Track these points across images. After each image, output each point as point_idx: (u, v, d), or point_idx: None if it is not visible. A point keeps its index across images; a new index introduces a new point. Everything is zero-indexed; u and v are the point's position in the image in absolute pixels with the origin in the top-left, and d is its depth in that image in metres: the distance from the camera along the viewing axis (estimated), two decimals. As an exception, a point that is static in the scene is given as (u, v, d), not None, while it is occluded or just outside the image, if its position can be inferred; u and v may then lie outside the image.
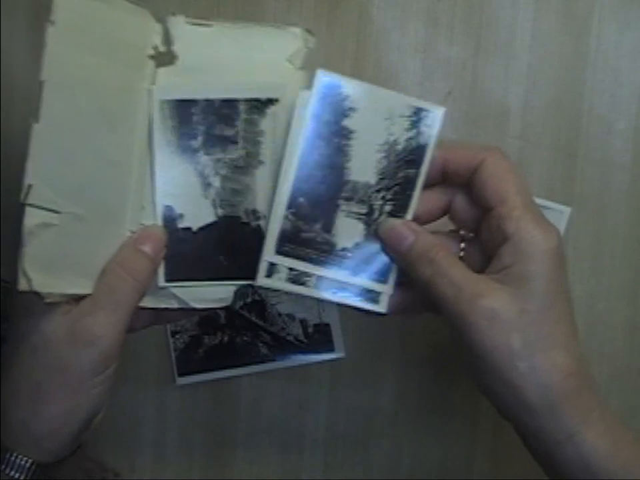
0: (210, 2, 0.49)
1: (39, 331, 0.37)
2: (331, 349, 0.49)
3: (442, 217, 0.41)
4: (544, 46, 0.48)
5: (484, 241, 0.39)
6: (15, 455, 0.37)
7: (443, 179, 0.40)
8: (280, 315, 0.49)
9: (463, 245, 0.41)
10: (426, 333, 0.49)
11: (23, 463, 0.38)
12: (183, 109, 0.39)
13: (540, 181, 0.48)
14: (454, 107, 0.48)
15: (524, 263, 0.37)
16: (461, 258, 0.41)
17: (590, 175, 0.48)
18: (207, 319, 0.48)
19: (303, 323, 0.49)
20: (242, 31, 0.41)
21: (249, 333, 0.49)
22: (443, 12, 0.48)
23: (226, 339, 0.49)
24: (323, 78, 0.38)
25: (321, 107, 0.38)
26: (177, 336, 0.50)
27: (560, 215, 0.47)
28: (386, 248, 0.40)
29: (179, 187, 0.39)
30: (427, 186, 0.39)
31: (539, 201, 0.46)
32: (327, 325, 0.49)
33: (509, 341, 0.36)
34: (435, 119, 0.38)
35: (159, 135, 0.39)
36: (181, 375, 0.50)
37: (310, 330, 0.49)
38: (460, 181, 0.40)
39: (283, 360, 0.50)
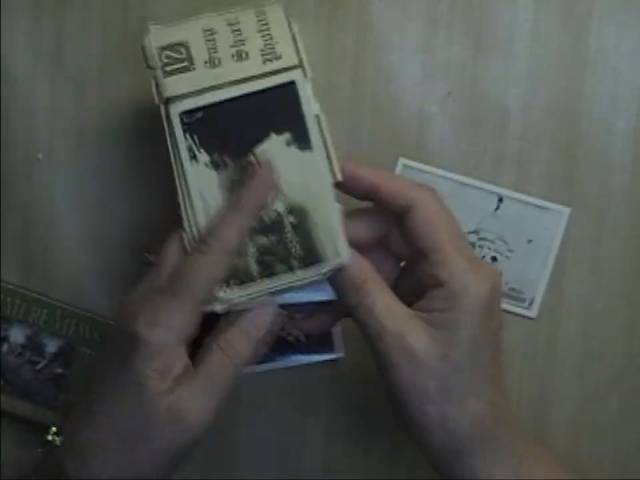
0: (210, 2, 0.49)
1: (147, 405, 0.37)
2: (330, 349, 0.49)
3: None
4: (544, 46, 0.48)
5: (417, 275, 0.38)
6: None
7: (374, 201, 0.39)
8: None
9: (402, 264, 0.40)
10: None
11: None
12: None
13: (539, 181, 0.48)
14: (454, 107, 0.48)
15: (453, 310, 0.36)
16: (397, 279, 0.40)
17: (590, 175, 0.48)
18: (207, 319, 0.48)
19: None
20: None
21: None
22: (442, 12, 0.48)
23: None
24: None
25: None
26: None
27: (559, 215, 0.47)
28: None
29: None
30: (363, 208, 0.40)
31: (537, 201, 0.47)
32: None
33: (425, 385, 0.36)
34: None
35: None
36: None
37: None
38: (391, 212, 0.39)
39: (283, 360, 0.50)
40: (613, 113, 0.48)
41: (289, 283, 0.39)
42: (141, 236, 0.51)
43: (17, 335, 0.50)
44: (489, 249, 0.47)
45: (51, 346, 0.50)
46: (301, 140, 0.39)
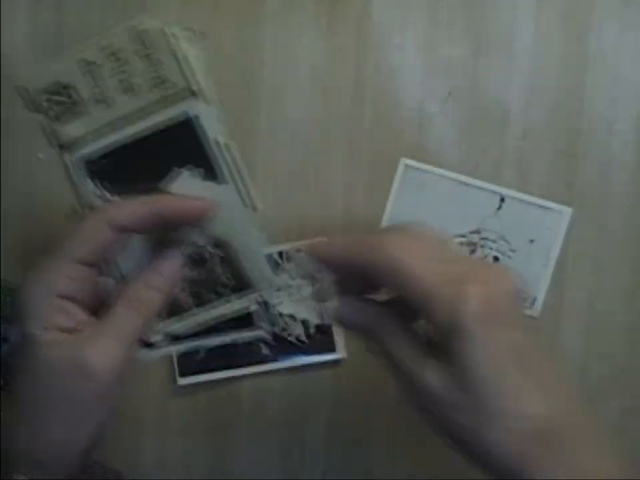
0: (210, 2, 0.49)
1: (42, 359, 0.37)
2: (332, 350, 0.49)
3: None
4: (544, 46, 0.48)
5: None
6: (18, 476, 0.37)
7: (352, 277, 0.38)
8: (281, 315, 0.49)
9: None
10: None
11: None
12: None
13: (540, 181, 0.48)
14: (454, 107, 0.48)
15: (449, 340, 0.34)
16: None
17: (590, 175, 0.48)
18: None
19: (305, 323, 0.49)
20: None
21: (252, 333, 0.49)
22: (443, 12, 0.48)
23: (229, 339, 0.49)
24: None
25: None
26: (179, 336, 0.50)
27: (561, 215, 0.47)
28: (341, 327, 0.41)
29: None
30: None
31: (540, 201, 0.47)
32: (329, 325, 0.49)
33: (457, 420, 0.34)
34: None
35: None
36: (182, 375, 0.50)
37: (311, 330, 0.49)
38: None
39: (285, 360, 0.50)
40: (613, 113, 0.48)
41: (225, 312, 0.40)
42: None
43: (17, 335, 0.50)
44: (491, 248, 0.47)
45: (51, 346, 0.50)
46: (213, 172, 0.38)
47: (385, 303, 0.38)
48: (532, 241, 0.47)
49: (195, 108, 0.37)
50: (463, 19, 0.48)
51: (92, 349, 0.37)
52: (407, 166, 0.47)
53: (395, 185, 0.47)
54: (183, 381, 0.50)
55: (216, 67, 0.49)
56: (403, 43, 0.48)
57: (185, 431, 0.51)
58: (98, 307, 0.39)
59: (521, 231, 0.47)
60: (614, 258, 0.48)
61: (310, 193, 0.49)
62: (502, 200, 0.47)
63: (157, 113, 0.37)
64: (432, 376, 0.35)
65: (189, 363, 0.50)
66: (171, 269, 0.40)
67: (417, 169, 0.47)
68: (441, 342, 0.35)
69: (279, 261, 0.48)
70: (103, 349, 0.37)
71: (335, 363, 0.50)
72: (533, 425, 0.34)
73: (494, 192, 0.47)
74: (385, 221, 0.48)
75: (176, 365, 0.50)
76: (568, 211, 0.47)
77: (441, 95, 0.48)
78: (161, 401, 0.51)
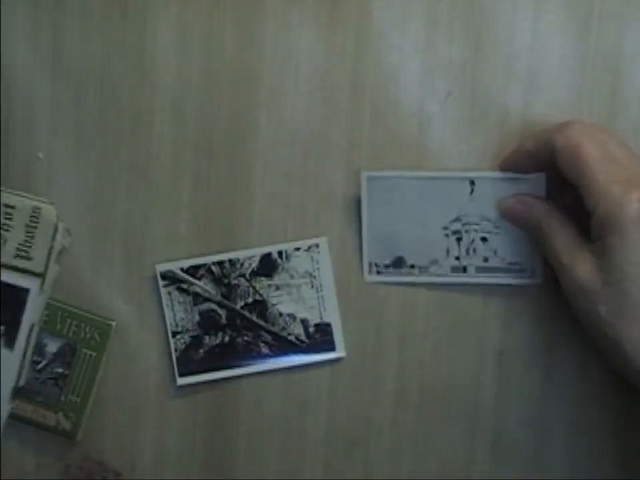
0: (210, 1, 0.49)
1: None
2: (332, 349, 0.49)
3: None
4: (544, 46, 0.48)
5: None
6: None
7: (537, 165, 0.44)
8: (281, 314, 0.49)
9: None
10: (427, 333, 0.49)
11: None
12: None
13: (540, 181, 0.48)
14: (454, 107, 0.48)
15: (606, 237, 0.39)
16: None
17: (590, 174, 0.48)
18: (208, 319, 0.48)
19: (304, 322, 0.49)
20: None
21: (250, 333, 0.49)
22: (442, 12, 0.48)
23: (227, 339, 0.49)
24: None
25: None
26: (178, 336, 0.50)
27: (537, 181, 0.46)
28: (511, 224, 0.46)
29: None
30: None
31: (509, 174, 0.47)
32: (328, 324, 0.49)
33: (597, 310, 0.39)
34: None
35: None
36: (181, 375, 0.50)
37: (311, 330, 0.49)
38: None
39: (284, 359, 0.50)
40: (613, 113, 0.48)
41: None
42: (141, 235, 0.51)
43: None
44: (476, 231, 0.47)
45: (51, 346, 0.50)
46: (9, 338, 0.44)
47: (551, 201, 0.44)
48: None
49: (32, 287, 0.44)
50: (463, 18, 0.48)
51: None
52: (369, 178, 0.47)
53: (364, 199, 0.47)
54: (183, 381, 0.50)
55: (215, 67, 0.49)
56: (403, 43, 0.48)
57: (185, 431, 0.51)
58: None
59: (499, 206, 0.47)
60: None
61: (309, 192, 0.49)
62: (472, 183, 0.47)
63: (7, 273, 0.44)
64: (583, 267, 0.40)
65: (188, 363, 0.50)
66: None
67: (379, 177, 0.47)
68: (599, 237, 0.39)
69: (279, 261, 0.48)
70: None
71: (335, 361, 0.50)
72: None
73: (462, 178, 0.47)
74: (365, 235, 0.48)
75: (175, 366, 0.50)
76: (542, 176, 0.46)
77: (441, 95, 0.48)
78: (160, 401, 0.51)
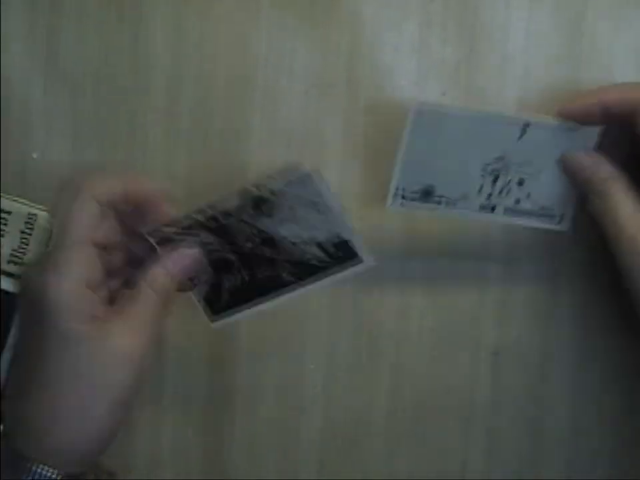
0: (205, 2, 0.49)
1: (65, 345, 0.37)
2: (358, 261, 0.45)
3: None
4: (538, 46, 0.48)
5: None
6: (41, 466, 0.37)
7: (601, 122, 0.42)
8: (294, 244, 0.45)
9: None
10: (423, 333, 0.49)
11: (49, 475, 0.37)
12: None
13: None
14: (448, 107, 0.48)
15: None
16: None
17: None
18: (221, 264, 0.46)
19: (320, 245, 0.45)
20: None
21: (269, 267, 0.46)
22: (437, 12, 0.48)
23: (246, 277, 0.46)
24: None
25: None
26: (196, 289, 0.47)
27: (591, 132, 0.45)
28: (568, 175, 0.43)
29: None
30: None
31: (564, 123, 0.44)
32: (346, 241, 0.44)
33: None
34: None
35: None
36: (214, 320, 0.47)
37: (331, 250, 0.45)
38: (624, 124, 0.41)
39: (311, 282, 0.46)
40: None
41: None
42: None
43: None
44: (516, 172, 0.45)
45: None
46: None
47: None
48: (559, 161, 0.45)
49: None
50: (457, 18, 0.48)
51: (124, 338, 0.38)
52: (419, 111, 0.44)
53: (407, 129, 0.44)
54: (217, 325, 0.47)
55: (210, 68, 0.49)
56: (398, 43, 0.48)
57: (180, 431, 0.51)
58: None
59: (547, 153, 0.45)
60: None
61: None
62: (526, 126, 0.44)
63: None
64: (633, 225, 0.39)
65: (216, 308, 0.47)
66: (187, 261, 0.42)
67: (430, 110, 0.44)
68: None
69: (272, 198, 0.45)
70: (134, 337, 0.38)
71: (331, 359, 0.49)
72: None
73: (515, 120, 0.44)
74: (399, 160, 0.45)
75: (205, 312, 0.47)
76: (597, 130, 0.44)
77: (435, 95, 0.48)
78: (155, 401, 0.51)
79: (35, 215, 0.48)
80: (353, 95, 0.49)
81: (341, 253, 0.44)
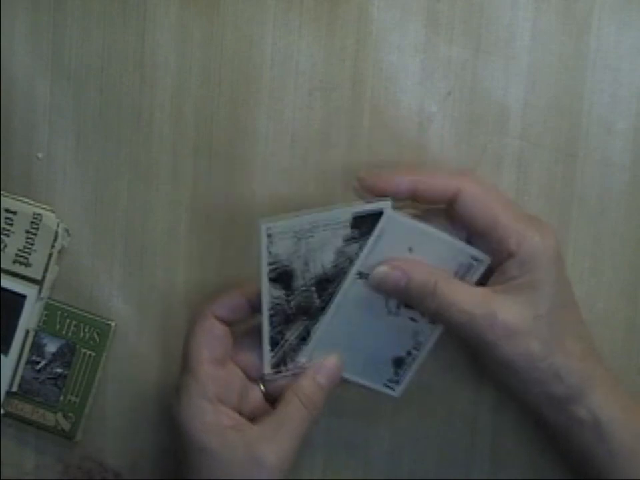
0: (210, 1, 0.49)
1: (212, 447, 0.40)
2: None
3: None
4: (544, 46, 0.48)
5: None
6: None
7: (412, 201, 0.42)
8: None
9: None
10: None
11: None
12: None
13: (540, 181, 0.48)
14: (454, 107, 0.48)
15: (531, 272, 0.39)
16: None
17: (590, 174, 0.48)
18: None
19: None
20: None
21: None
22: (442, 12, 0.48)
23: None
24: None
25: None
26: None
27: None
28: (385, 294, 0.42)
29: None
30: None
31: None
32: None
33: (529, 348, 0.38)
34: None
35: None
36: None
37: None
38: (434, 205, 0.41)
39: None
40: (613, 113, 0.48)
41: None
42: (141, 235, 0.51)
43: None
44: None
45: (51, 346, 0.50)
46: (4, 343, 0.45)
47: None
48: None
49: (29, 294, 0.45)
50: (463, 18, 0.48)
51: (269, 448, 0.40)
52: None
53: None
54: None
55: (215, 67, 0.49)
56: (403, 43, 0.48)
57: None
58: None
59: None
60: (614, 257, 0.48)
61: (309, 193, 0.49)
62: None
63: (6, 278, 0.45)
64: (508, 309, 0.38)
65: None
66: (338, 373, 0.44)
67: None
68: (519, 274, 0.39)
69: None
70: (279, 448, 0.40)
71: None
72: (586, 346, 0.41)
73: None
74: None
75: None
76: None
77: (441, 95, 0.48)
78: (160, 401, 0.51)
79: (40, 214, 0.48)
80: (358, 95, 0.48)
81: None
